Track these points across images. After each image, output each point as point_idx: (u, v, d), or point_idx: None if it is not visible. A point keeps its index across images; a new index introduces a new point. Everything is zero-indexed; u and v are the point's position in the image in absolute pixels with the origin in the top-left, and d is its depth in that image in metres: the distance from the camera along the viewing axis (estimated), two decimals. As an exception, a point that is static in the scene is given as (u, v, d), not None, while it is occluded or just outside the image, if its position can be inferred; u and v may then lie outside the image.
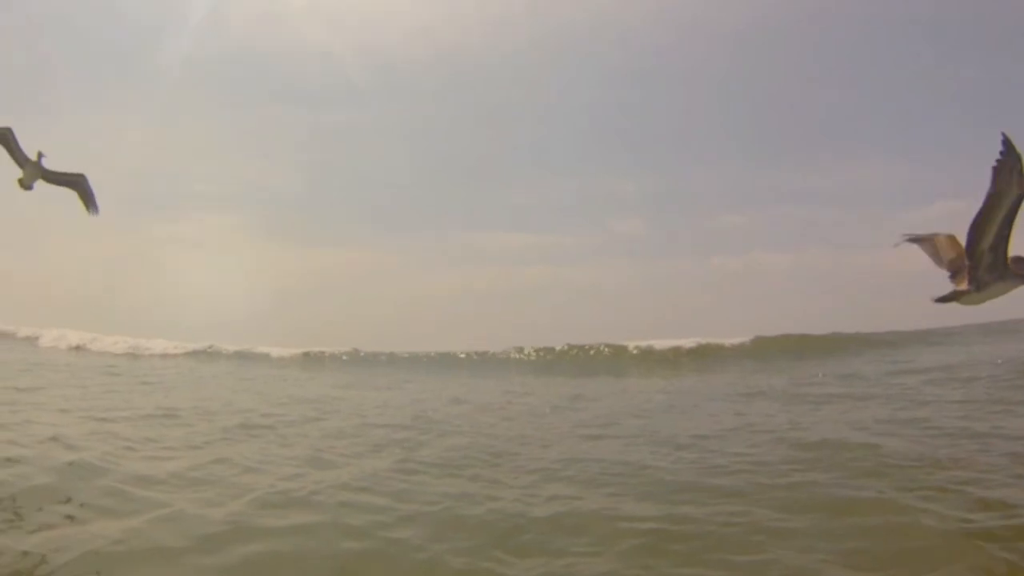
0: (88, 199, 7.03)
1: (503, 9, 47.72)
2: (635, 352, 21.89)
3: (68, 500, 5.36)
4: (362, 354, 25.67)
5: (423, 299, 41.17)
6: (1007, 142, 3.54)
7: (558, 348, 23.16)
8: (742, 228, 43.46)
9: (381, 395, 14.01)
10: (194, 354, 27.00)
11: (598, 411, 10.81)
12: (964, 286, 4.13)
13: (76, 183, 6.99)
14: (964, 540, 4.29)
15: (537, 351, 23.35)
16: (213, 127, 50.51)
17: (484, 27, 47.96)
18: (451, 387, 15.44)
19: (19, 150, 6.68)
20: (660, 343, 21.66)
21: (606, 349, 22.46)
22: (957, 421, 7.50)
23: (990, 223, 3.81)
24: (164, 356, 26.47)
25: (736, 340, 21.76)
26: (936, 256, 4.49)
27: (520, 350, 23.45)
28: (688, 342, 21.63)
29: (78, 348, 27.77)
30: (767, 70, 49.39)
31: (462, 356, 24.23)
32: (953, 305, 4.44)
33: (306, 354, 25.71)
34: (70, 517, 5.03)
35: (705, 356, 20.95)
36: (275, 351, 26.47)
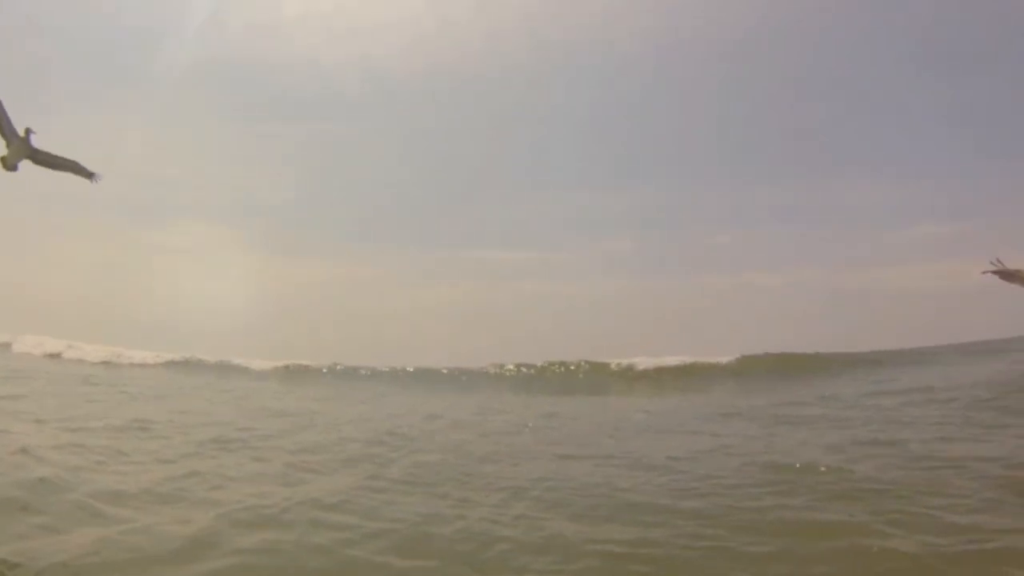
0: (84, 172, 6.23)
1: (497, 25, 47.79)
2: (616, 370, 21.74)
3: (38, 513, 5.27)
4: (340, 368, 25.46)
5: (408, 313, 41.01)
6: None
7: (539, 365, 23.01)
8: (731, 247, 43.54)
9: (357, 409, 13.96)
10: (173, 364, 26.80)
11: (573, 430, 10.78)
12: None
13: (69, 166, 6.21)
14: (932, 565, 4.23)
15: (518, 367, 23.23)
16: (205, 135, 50.11)
17: (478, 42, 47.99)
18: (430, 403, 15.32)
19: (7, 122, 5.85)
20: (643, 361, 21.52)
21: (586, 366, 22.34)
22: (932, 444, 7.44)
23: None
24: (143, 366, 26.27)
25: (722, 359, 21.63)
26: None
27: (500, 366, 23.33)
28: (673, 360, 21.48)
29: (55, 355, 27.54)
30: (761, 87, 49.55)
31: (444, 372, 24.11)
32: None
33: (287, 367, 25.50)
34: (41, 528, 4.97)
35: (691, 375, 20.77)
36: (256, 363, 26.28)
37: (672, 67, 49.37)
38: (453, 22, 46.75)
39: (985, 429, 7.97)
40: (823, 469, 6.49)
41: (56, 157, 6.14)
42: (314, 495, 6.11)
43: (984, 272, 5.12)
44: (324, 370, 25.58)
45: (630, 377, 21.01)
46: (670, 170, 49.68)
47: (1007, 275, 5.16)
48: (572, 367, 22.49)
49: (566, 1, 47.80)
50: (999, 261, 5.27)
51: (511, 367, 23.19)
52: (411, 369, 24.61)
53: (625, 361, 21.78)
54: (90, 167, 6.28)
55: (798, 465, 6.70)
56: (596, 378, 21.39)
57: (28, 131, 5.95)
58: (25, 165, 6.07)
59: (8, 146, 5.95)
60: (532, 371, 22.76)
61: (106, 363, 26.39)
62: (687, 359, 21.58)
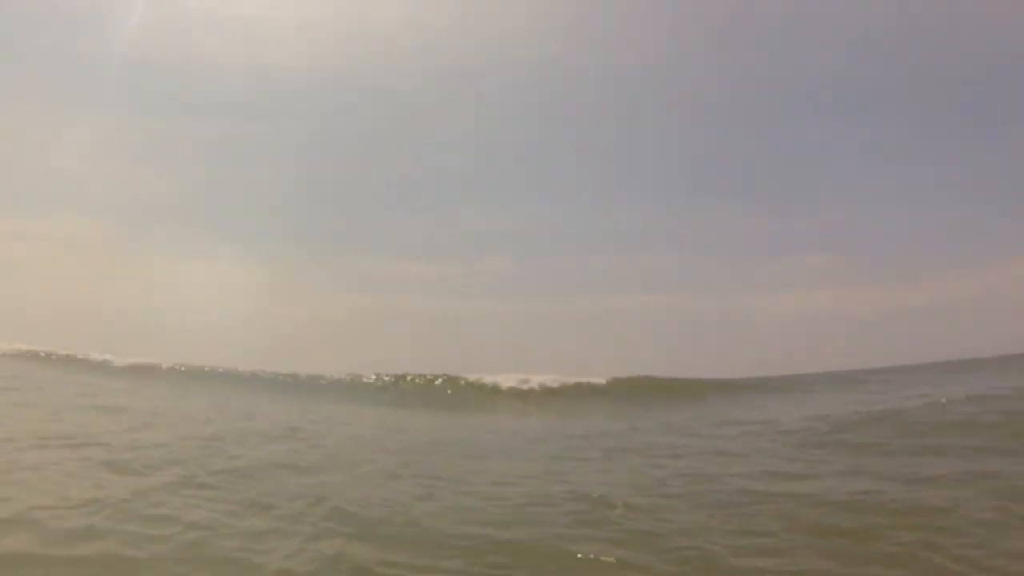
0: None
1: (395, 44, 47.59)
2: (481, 386, 21.35)
3: None
4: (182, 369, 24.32)
5: (294, 317, 39.81)
6: None
7: (404, 377, 22.42)
8: (609, 269, 44.04)
9: (195, 411, 13.13)
10: (22, 355, 25.21)
11: (409, 445, 10.35)
12: None
13: None
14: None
15: (379, 377, 22.67)
16: (98, 129, 47.73)
17: (374, 58, 47.67)
18: (275, 409, 14.63)
19: None
20: (510, 379, 21.13)
21: (449, 382, 21.86)
22: (754, 479, 7.00)
23: None
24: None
25: (593, 380, 21.48)
26: None
27: (357, 377, 22.63)
28: (542, 379, 21.16)
29: None
30: (646, 116, 50.54)
31: (303, 377, 23.43)
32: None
33: (142, 365, 24.11)
34: None
35: (559, 395, 20.49)
36: (115, 359, 24.78)
37: (559, 94, 49.93)
38: (352, 39, 46.23)
39: (810, 464, 7.66)
40: (622, 505, 6.07)
41: None
42: (108, 496, 5.79)
43: None
44: (182, 369, 24.64)
45: (495, 395, 20.59)
46: (552, 192, 50.11)
47: None
48: (438, 382, 21.99)
49: (468, 24, 47.90)
50: None
51: (372, 377, 22.53)
52: (270, 373, 23.80)
53: (491, 378, 21.36)
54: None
55: (602, 497, 6.33)
56: (462, 394, 20.91)
57: None
58: None
59: None
60: (390, 383, 22.15)
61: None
62: (557, 379, 21.30)
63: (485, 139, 51.65)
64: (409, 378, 22.56)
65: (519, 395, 20.32)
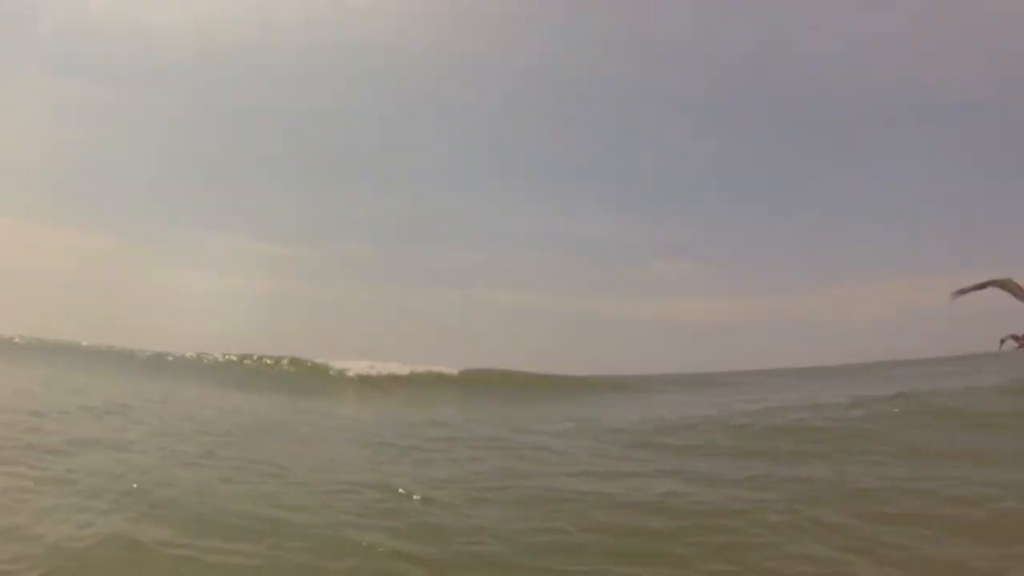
0: None
1: (278, 16, 46.20)
2: (329, 372, 20.89)
3: None
4: (16, 341, 22.85)
5: (150, 291, 38.05)
6: None
7: (247, 355, 21.76)
8: (471, 262, 44.09)
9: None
10: None
11: (224, 427, 9.98)
12: None
13: None
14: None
15: (227, 356, 21.96)
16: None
17: (256, 29, 46.12)
18: (97, 382, 14.41)
19: None
20: (360, 366, 20.66)
21: (293, 365, 21.28)
22: (560, 479, 6.85)
23: None
24: None
25: (445, 370, 21.22)
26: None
27: (204, 355, 21.69)
28: (393, 368, 20.79)
29: None
30: (529, 116, 50.88)
31: (148, 354, 22.55)
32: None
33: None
34: None
35: (408, 384, 20.17)
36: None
37: (436, 82, 49.72)
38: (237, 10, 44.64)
39: (628, 464, 7.58)
40: (421, 498, 5.97)
41: None
42: None
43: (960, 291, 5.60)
44: (18, 341, 23.64)
45: (341, 380, 20.11)
46: (419, 180, 49.78)
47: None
48: (285, 363, 21.33)
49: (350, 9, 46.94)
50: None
51: (218, 356, 21.60)
52: (109, 348, 22.59)
53: (339, 363, 20.82)
54: None
55: (404, 488, 6.22)
56: (307, 378, 20.37)
57: None
58: None
59: None
60: (236, 362, 21.38)
61: None
62: (408, 367, 20.95)
63: (356, 122, 50.71)
64: (256, 358, 21.82)
65: (366, 381, 19.93)
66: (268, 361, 21.58)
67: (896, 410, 9.76)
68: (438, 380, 20.42)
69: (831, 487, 6.11)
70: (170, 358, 21.90)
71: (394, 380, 20.04)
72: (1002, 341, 7.88)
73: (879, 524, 5.06)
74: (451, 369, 21.27)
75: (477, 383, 20.12)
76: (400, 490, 6.17)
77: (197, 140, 49.68)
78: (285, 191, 47.96)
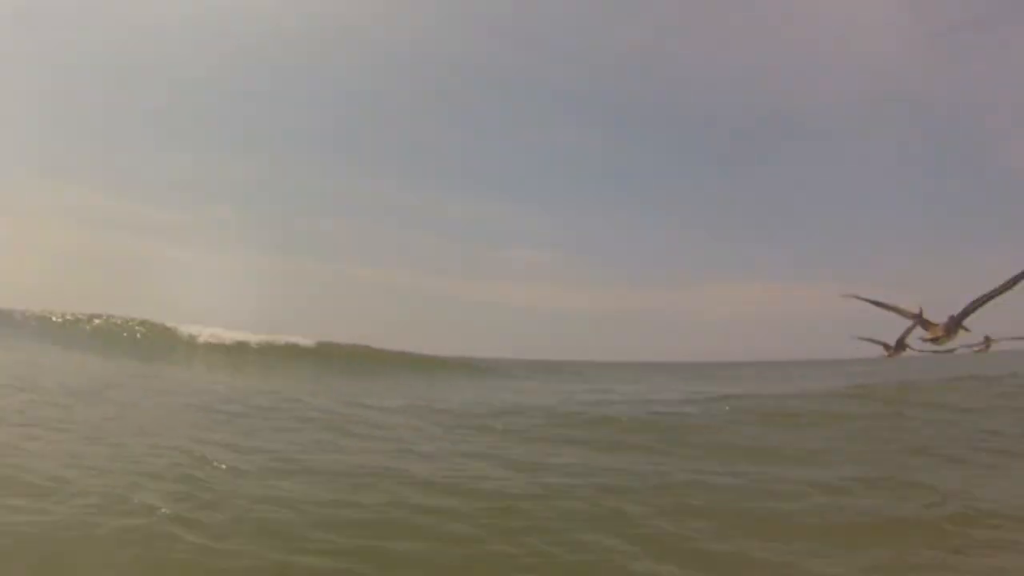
0: None
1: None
2: (166, 333, 20.14)
3: None
4: None
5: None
6: None
7: (95, 315, 20.65)
8: (336, 234, 43.51)
9: None
10: None
11: (45, 385, 9.79)
12: (940, 332, 5.34)
13: None
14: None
15: (75, 316, 20.69)
16: None
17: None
18: None
19: None
20: (207, 332, 19.91)
21: (135, 325, 20.35)
22: (365, 456, 6.80)
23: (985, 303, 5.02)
24: None
25: (301, 341, 20.68)
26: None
27: (52, 313, 20.45)
28: (242, 336, 20.07)
29: None
30: (401, 93, 50.42)
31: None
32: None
33: None
34: None
35: (258, 353, 19.62)
36: None
37: (321, 54, 48.62)
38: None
39: (445, 446, 7.55)
40: (211, 466, 5.73)
41: None
42: None
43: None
44: None
45: (190, 346, 19.38)
46: (286, 145, 48.57)
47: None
48: (133, 325, 20.40)
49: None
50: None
51: (66, 315, 20.41)
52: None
53: (190, 329, 20.08)
54: None
55: (210, 458, 5.95)
56: (154, 342, 19.49)
57: None
58: None
59: None
60: (83, 322, 20.26)
61: None
62: (262, 337, 20.36)
63: (232, 83, 49.03)
64: (105, 317, 20.68)
65: (215, 349, 19.19)
66: (117, 321, 20.49)
67: (727, 408, 10.11)
68: (291, 351, 19.90)
69: (640, 478, 6.16)
70: (17, 316, 20.45)
71: (244, 348, 19.43)
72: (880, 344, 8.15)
73: (675, 516, 5.10)
74: (307, 340, 20.74)
75: (332, 356, 19.76)
76: (208, 457, 5.95)
77: (77, 92, 46.87)
78: (155, 151, 45.89)
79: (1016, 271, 5.14)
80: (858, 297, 6.74)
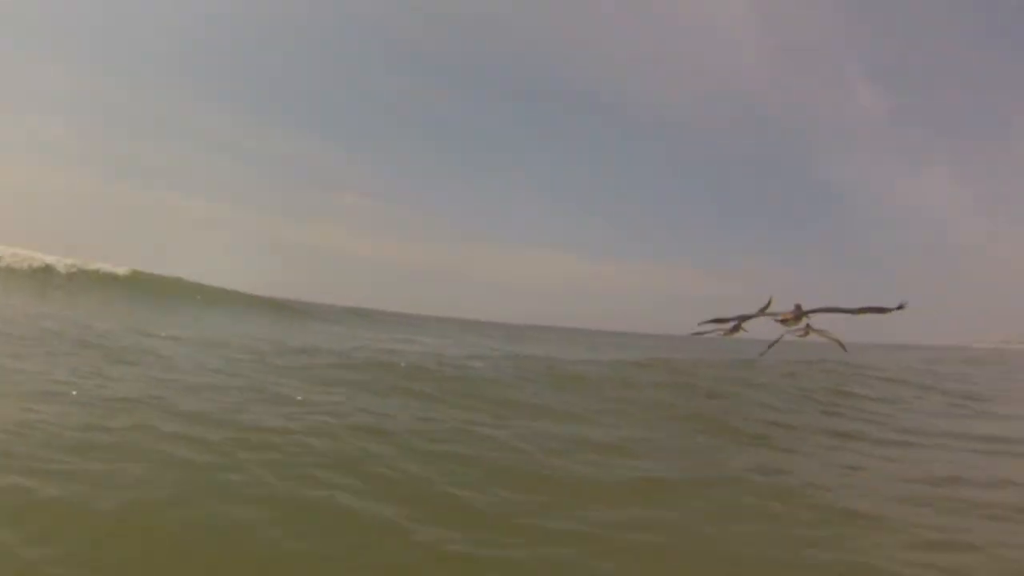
0: None
1: None
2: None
3: None
4: None
5: None
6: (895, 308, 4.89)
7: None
8: (158, 163, 41.70)
9: None
10: None
11: None
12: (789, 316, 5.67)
13: None
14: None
15: None
16: None
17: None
18: None
19: None
20: (12, 251, 18.83)
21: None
22: (132, 385, 6.77)
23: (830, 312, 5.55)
24: None
25: (116, 270, 19.88)
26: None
27: None
28: (52, 259, 19.08)
29: None
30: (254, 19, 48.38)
31: None
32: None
33: None
34: None
35: (67, 279, 18.65)
36: None
37: None
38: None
39: (207, 375, 7.65)
40: None
41: None
42: None
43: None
44: None
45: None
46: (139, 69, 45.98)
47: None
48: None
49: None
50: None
51: None
52: None
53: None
54: None
55: None
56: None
57: None
58: None
59: None
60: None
61: None
62: (71, 262, 19.42)
63: None
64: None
65: (14, 273, 18.15)
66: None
67: (511, 367, 10.39)
68: (102, 280, 19.12)
69: (400, 423, 6.31)
70: None
71: (49, 272, 18.52)
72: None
73: (424, 460, 5.20)
74: (122, 269, 19.98)
75: (145, 286, 19.12)
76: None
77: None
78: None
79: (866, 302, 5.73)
80: (716, 320, 6.98)
